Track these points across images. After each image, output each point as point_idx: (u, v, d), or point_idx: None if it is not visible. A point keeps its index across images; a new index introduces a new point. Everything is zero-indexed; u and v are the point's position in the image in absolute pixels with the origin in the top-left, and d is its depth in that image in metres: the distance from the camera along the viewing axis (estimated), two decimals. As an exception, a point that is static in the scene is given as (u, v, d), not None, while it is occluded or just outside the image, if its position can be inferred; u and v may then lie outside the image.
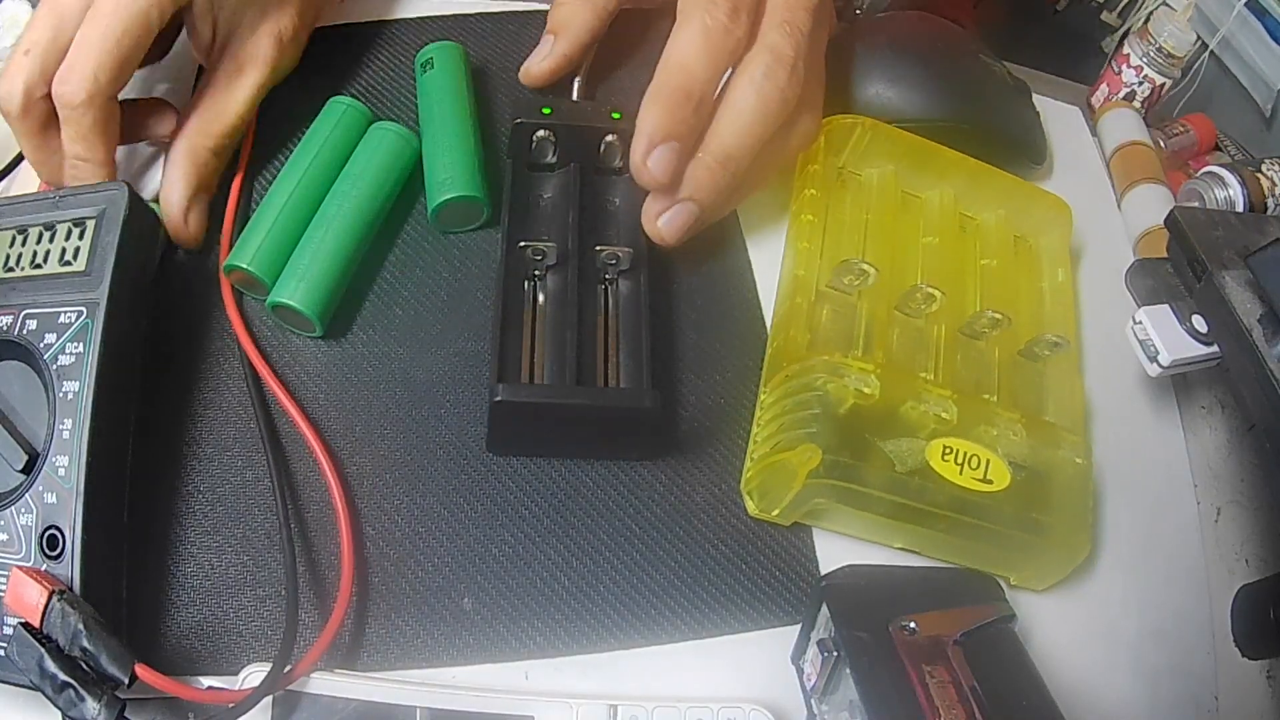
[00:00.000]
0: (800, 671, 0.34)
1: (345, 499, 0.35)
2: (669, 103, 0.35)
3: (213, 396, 0.38)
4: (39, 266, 0.34)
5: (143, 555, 0.34)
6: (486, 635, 0.35)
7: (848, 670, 0.30)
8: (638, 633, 0.35)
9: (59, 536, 0.30)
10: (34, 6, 0.50)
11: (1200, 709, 0.37)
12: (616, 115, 0.40)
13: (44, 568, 0.30)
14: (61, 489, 0.30)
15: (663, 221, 0.38)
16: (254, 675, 0.31)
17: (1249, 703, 0.37)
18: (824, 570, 0.37)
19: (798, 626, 0.34)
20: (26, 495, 0.31)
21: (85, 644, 0.28)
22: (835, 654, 0.31)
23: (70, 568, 0.30)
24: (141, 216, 0.35)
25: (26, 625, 0.28)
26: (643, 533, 0.37)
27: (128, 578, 0.33)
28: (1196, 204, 0.44)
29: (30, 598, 0.28)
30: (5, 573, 0.30)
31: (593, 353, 0.37)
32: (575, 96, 0.46)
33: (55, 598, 0.28)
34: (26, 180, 0.43)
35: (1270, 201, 0.43)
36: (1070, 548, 0.36)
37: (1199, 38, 0.57)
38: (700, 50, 0.36)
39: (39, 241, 0.34)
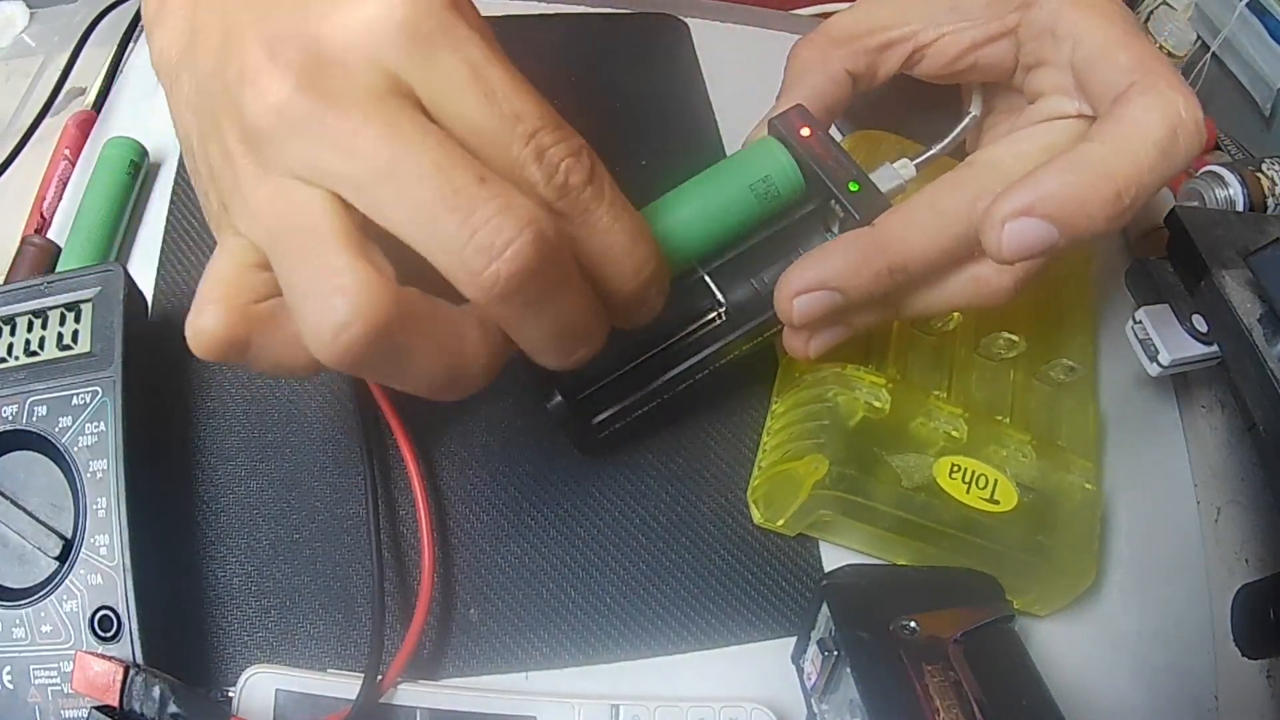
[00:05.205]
0: (800, 671, 0.34)
1: (429, 513, 0.34)
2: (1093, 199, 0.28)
3: (214, 406, 0.38)
4: (35, 354, 0.34)
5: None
6: (492, 646, 0.35)
7: (848, 669, 0.30)
8: (644, 643, 0.35)
9: (113, 617, 0.30)
10: (30, 7, 0.50)
11: (1200, 709, 0.37)
12: (854, 186, 0.32)
13: (98, 650, 0.30)
14: (106, 568, 0.30)
15: (798, 304, 0.31)
16: (256, 677, 0.31)
17: (1249, 703, 0.37)
18: (828, 580, 0.37)
19: (798, 628, 0.34)
20: (67, 581, 0.31)
21: (175, 708, 0.28)
22: (835, 653, 0.31)
23: (129, 645, 0.30)
24: (136, 293, 0.36)
25: (104, 709, 0.28)
26: (649, 542, 0.37)
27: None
28: (1196, 204, 0.44)
29: (103, 679, 0.28)
30: (54, 666, 0.30)
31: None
32: (838, 133, 0.38)
33: (133, 672, 0.28)
34: (22, 181, 0.43)
35: (1270, 201, 0.43)
36: (1075, 574, 0.35)
37: (1199, 37, 0.57)
38: (1157, 154, 0.28)
39: (30, 329, 0.34)
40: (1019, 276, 0.32)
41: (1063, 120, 0.33)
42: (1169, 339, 0.38)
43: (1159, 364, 0.38)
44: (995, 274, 0.32)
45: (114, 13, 0.50)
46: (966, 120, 0.37)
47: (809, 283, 0.31)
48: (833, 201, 0.33)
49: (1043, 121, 0.33)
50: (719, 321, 0.33)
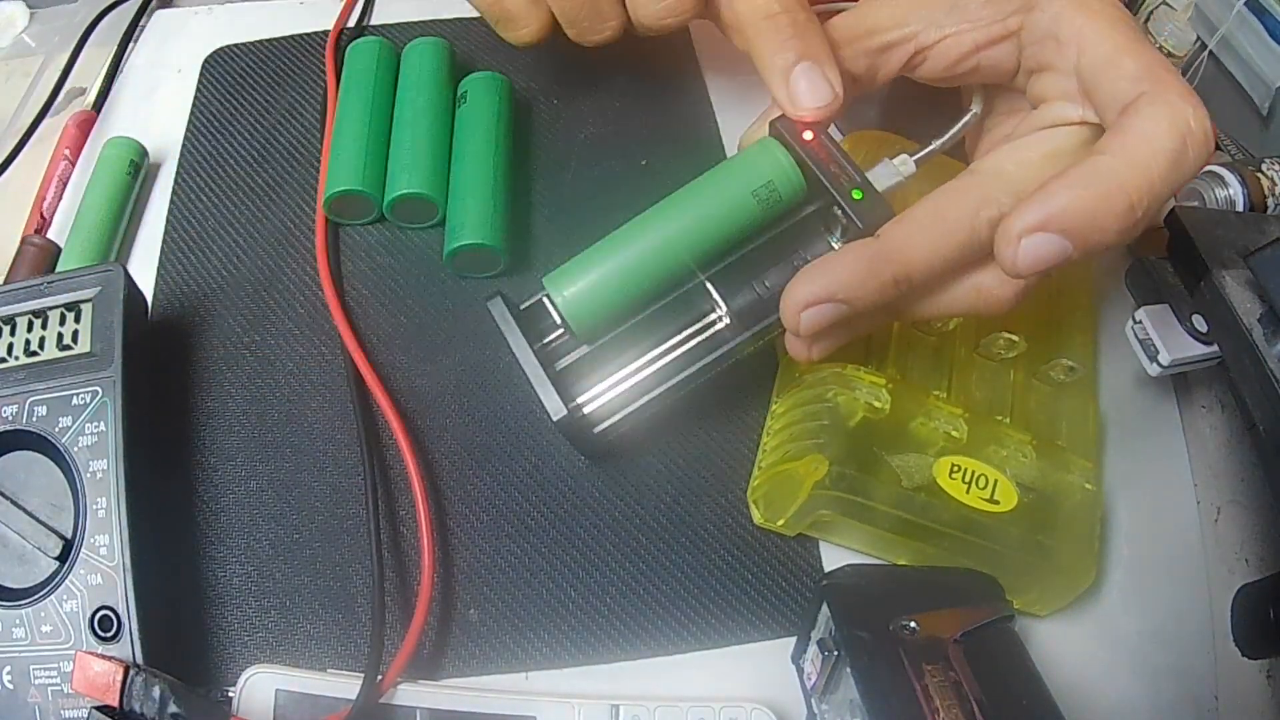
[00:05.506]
0: (801, 671, 0.34)
1: (429, 513, 0.34)
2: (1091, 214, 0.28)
3: (214, 406, 0.38)
4: (35, 354, 0.34)
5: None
6: (492, 646, 0.35)
7: (848, 669, 0.30)
8: (644, 643, 0.35)
9: (113, 617, 0.30)
10: (30, 7, 0.50)
11: (1200, 709, 0.37)
12: (858, 195, 0.32)
13: (98, 650, 0.30)
14: (106, 568, 0.30)
15: (805, 316, 0.31)
16: (256, 677, 0.31)
17: (1249, 703, 0.37)
18: (827, 579, 0.37)
19: (798, 627, 0.34)
20: (67, 581, 0.31)
21: (175, 708, 0.28)
22: (835, 653, 0.31)
23: (129, 645, 0.30)
24: (136, 293, 0.36)
25: (104, 709, 0.28)
26: (649, 542, 0.37)
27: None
28: (1196, 204, 0.44)
29: (103, 679, 0.28)
30: (54, 666, 0.30)
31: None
32: (838, 132, 0.36)
33: (133, 672, 0.28)
34: (22, 181, 0.43)
35: (1270, 201, 0.43)
36: (1075, 574, 0.35)
37: (1198, 37, 0.57)
38: (1168, 166, 0.28)
39: (29, 330, 0.34)
40: (1020, 288, 0.32)
41: (1066, 127, 0.33)
42: (1169, 339, 0.38)
43: (1159, 364, 0.38)
44: (998, 285, 0.32)
45: (114, 13, 0.50)
46: (967, 117, 0.36)
47: (816, 295, 0.31)
48: (835, 207, 0.32)
49: (1046, 128, 0.33)
50: (721, 326, 0.33)
